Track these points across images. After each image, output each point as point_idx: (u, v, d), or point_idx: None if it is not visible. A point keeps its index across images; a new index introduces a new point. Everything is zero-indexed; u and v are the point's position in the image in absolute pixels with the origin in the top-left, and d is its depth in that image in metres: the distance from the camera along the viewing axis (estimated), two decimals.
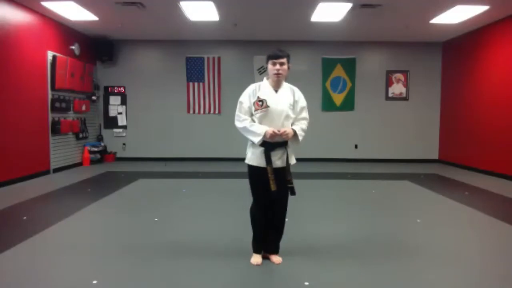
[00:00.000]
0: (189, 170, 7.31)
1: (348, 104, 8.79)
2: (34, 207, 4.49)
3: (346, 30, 7.47)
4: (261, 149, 2.70)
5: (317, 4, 5.88)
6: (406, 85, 8.79)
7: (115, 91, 8.73)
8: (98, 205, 4.56)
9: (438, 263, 2.81)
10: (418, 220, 3.95)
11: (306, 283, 2.45)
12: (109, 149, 8.74)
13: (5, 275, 2.57)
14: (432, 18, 6.63)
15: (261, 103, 2.71)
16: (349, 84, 8.75)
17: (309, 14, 6.45)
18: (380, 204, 4.73)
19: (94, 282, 2.45)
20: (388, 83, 8.80)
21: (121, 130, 8.79)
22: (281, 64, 2.69)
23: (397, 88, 8.80)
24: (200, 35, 8.14)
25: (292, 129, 2.71)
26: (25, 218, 3.95)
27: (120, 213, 4.24)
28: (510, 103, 6.46)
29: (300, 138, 2.76)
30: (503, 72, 6.65)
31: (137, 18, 6.70)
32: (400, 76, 8.78)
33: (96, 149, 8.20)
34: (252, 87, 2.80)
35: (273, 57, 2.70)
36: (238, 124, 2.75)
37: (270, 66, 2.72)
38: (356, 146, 8.87)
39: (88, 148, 8.02)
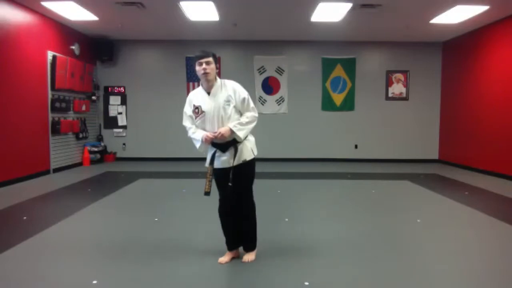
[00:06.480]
0: (189, 170, 7.31)
1: (348, 104, 8.78)
2: (34, 207, 4.49)
3: (346, 30, 7.47)
4: (213, 150, 2.74)
5: (317, 4, 5.88)
6: (406, 85, 8.79)
7: (115, 91, 8.73)
8: (98, 205, 4.56)
9: (438, 263, 2.81)
10: (418, 220, 3.95)
11: (306, 283, 2.45)
12: (109, 149, 8.74)
13: (5, 275, 2.57)
14: (432, 18, 6.63)
15: (197, 111, 2.71)
16: (349, 84, 8.75)
17: (309, 14, 6.45)
18: (380, 204, 4.73)
19: (94, 282, 2.45)
20: (388, 83, 8.80)
21: (121, 130, 8.79)
22: (207, 63, 2.62)
23: (397, 88, 8.80)
24: (200, 35, 8.14)
25: (229, 127, 2.60)
26: (25, 218, 3.95)
27: (120, 213, 4.24)
28: (510, 103, 6.45)
29: (239, 133, 2.61)
30: (503, 72, 6.65)
31: (137, 18, 6.70)
32: (400, 76, 8.78)
33: (96, 149, 8.20)
34: (189, 95, 2.79)
35: (198, 57, 2.63)
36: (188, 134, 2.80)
37: (197, 67, 2.65)
38: (356, 146, 8.86)
39: (88, 148, 8.02)
